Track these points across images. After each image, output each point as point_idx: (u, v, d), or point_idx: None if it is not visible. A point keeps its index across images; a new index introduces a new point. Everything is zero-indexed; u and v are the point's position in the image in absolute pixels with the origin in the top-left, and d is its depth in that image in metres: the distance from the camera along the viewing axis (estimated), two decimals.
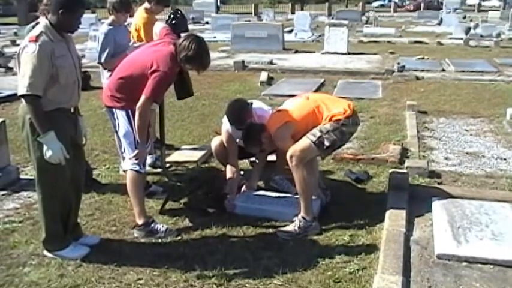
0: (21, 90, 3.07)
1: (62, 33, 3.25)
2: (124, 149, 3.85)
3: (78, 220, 3.77)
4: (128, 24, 5.60)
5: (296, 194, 4.38)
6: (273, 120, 4.05)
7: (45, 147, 3.15)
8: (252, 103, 4.34)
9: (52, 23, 3.21)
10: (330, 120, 3.86)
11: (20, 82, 3.09)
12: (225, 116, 4.41)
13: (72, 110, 3.41)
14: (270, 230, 3.91)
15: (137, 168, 3.75)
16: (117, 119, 3.81)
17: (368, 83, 10.45)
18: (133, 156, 3.70)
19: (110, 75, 4.14)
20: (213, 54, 13.78)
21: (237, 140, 4.43)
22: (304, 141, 3.79)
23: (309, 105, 3.98)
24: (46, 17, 3.26)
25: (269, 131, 4.01)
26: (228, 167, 4.44)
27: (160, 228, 3.81)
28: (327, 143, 3.77)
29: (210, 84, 10.18)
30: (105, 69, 4.87)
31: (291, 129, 3.90)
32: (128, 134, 3.75)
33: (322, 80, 10.62)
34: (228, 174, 4.42)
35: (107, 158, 5.45)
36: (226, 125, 4.43)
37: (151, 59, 3.61)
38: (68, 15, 3.18)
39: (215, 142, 4.63)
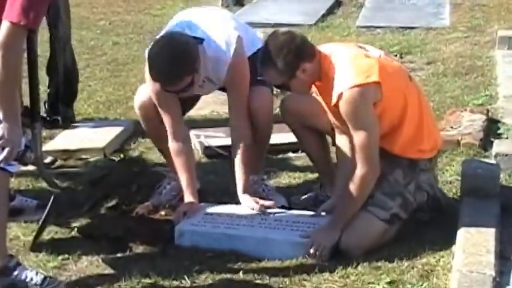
0: None
1: None
2: None
3: None
4: None
5: (283, 207, 2.92)
6: (353, 60, 2.48)
7: None
8: (203, 39, 2.65)
9: None
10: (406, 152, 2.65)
11: None
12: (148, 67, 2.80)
13: None
14: (241, 276, 2.37)
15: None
16: None
17: None
18: None
19: None
20: None
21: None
22: (373, 223, 2.59)
23: (415, 89, 2.73)
24: None
25: (326, 71, 2.52)
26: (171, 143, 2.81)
27: (31, 278, 2.68)
28: (404, 216, 2.70)
29: (128, 4, 7.48)
30: None
31: (375, 99, 2.46)
32: None
33: None
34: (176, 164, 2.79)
35: None
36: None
37: None
38: None
39: (141, 97, 2.96)
